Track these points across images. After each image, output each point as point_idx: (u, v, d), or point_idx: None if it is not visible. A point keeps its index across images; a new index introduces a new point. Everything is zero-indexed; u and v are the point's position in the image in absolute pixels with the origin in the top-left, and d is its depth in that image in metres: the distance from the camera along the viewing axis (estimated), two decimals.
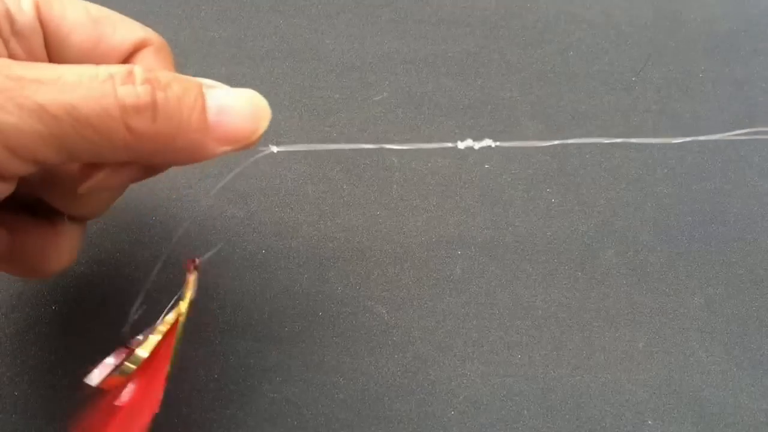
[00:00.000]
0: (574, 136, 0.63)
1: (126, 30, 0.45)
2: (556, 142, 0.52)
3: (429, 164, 0.65)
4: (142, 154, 0.37)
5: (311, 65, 0.70)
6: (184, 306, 0.50)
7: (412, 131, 0.67)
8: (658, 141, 0.63)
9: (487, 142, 0.46)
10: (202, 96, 0.38)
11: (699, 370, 0.59)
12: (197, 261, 0.51)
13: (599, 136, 0.67)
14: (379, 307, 0.59)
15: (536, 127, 0.67)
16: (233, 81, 0.68)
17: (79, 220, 0.49)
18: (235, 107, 0.40)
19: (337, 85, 0.69)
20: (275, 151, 0.47)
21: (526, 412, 0.57)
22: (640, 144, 0.67)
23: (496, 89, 0.69)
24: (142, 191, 0.62)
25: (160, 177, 0.47)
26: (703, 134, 0.63)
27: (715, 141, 0.67)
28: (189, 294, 0.51)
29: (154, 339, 0.49)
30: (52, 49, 0.43)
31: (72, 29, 0.43)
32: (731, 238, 0.63)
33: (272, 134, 0.64)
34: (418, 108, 0.68)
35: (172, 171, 0.50)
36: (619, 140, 0.53)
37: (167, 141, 0.37)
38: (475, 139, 0.47)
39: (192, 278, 0.51)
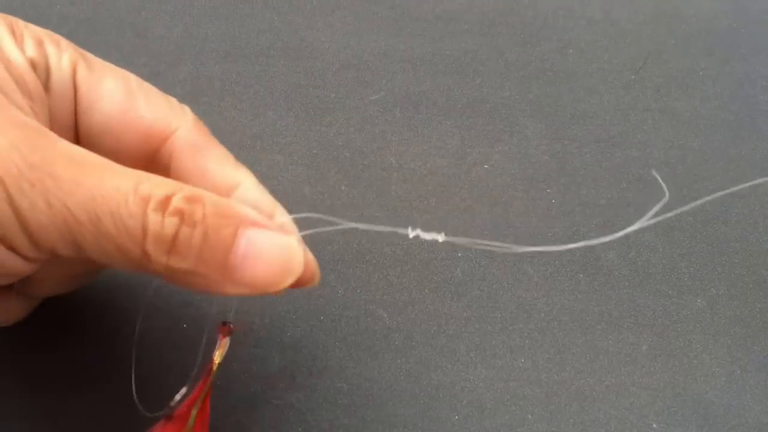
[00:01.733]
0: (574, 135, 0.63)
1: (158, 107, 0.45)
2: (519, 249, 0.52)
3: (428, 164, 0.64)
4: (152, 273, 0.37)
5: (307, 63, 0.69)
6: (215, 367, 0.51)
7: (410, 131, 0.66)
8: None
9: (436, 236, 0.46)
10: (234, 237, 0.37)
11: (703, 372, 0.58)
12: (231, 325, 0.51)
13: (599, 134, 0.67)
14: (381, 311, 0.59)
15: (535, 125, 0.67)
16: (227, 79, 0.68)
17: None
18: (265, 255, 0.37)
19: (333, 84, 0.68)
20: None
21: (530, 416, 0.56)
22: (640, 143, 0.66)
23: (495, 88, 0.68)
24: None
25: None
26: (703, 134, 0.63)
27: (718, 140, 0.67)
28: (219, 356, 0.51)
29: (194, 412, 0.50)
30: (79, 109, 0.43)
31: (105, 96, 0.43)
32: (733, 239, 0.63)
33: (267, 134, 0.64)
34: (416, 107, 0.67)
35: None
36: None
37: (183, 275, 0.36)
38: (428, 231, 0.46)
39: (225, 341, 0.52)
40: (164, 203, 0.35)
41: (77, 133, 0.44)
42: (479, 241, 0.45)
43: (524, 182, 0.64)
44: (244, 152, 0.63)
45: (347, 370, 0.57)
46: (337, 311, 0.59)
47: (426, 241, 0.45)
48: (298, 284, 0.41)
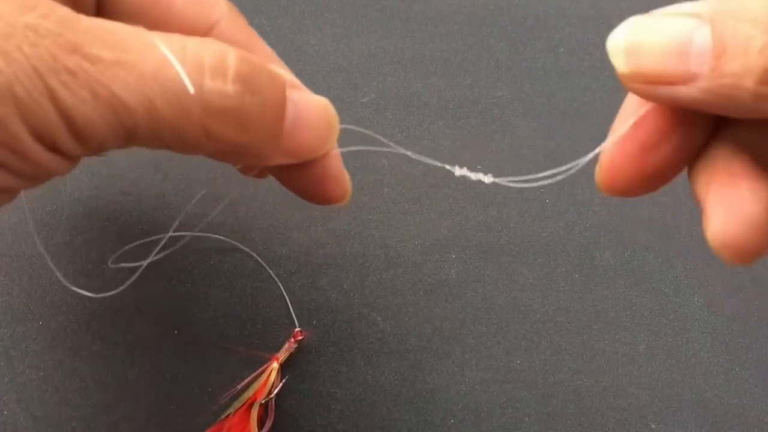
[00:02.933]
0: (567, 134, 0.63)
1: None
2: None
3: (420, 166, 0.64)
4: (208, 153, 0.34)
5: (296, 66, 0.68)
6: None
7: (401, 133, 0.65)
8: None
9: (482, 176, 0.44)
10: (284, 102, 0.35)
11: (701, 371, 0.58)
12: (304, 335, 0.56)
13: (592, 133, 0.66)
14: (375, 315, 0.58)
15: (528, 125, 0.66)
16: None
17: None
18: (311, 120, 0.37)
19: (323, 87, 0.68)
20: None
21: (527, 418, 0.56)
22: None
23: (487, 88, 0.68)
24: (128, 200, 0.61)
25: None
26: None
27: None
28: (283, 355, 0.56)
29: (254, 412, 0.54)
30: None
31: None
32: None
33: None
34: (407, 109, 0.67)
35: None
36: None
37: (238, 149, 0.34)
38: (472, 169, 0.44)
39: (292, 344, 0.57)
40: (220, 67, 0.31)
41: None
42: (530, 177, 0.43)
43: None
44: None
45: (341, 374, 0.56)
46: (330, 315, 0.58)
47: (472, 181, 0.43)
48: (333, 198, 0.40)
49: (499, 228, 0.62)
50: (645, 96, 0.32)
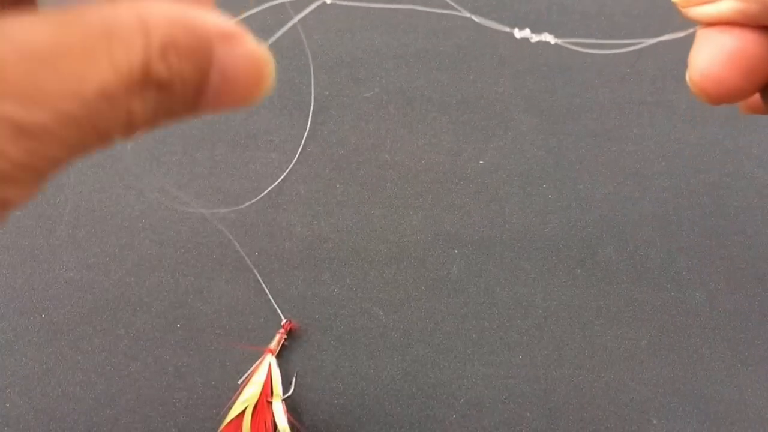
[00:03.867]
0: (569, 130, 0.63)
1: None
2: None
3: (423, 161, 0.64)
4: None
5: (300, 61, 0.69)
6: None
7: (404, 127, 0.65)
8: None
9: (548, 37, 0.42)
10: (208, 68, 0.32)
11: (703, 367, 0.58)
12: (292, 325, 0.57)
13: (594, 128, 0.66)
14: (377, 309, 0.58)
15: (530, 121, 0.66)
16: None
17: None
18: (239, 78, 0.33)
19: (326, 82, 0.68)
20: (328, 2, 0.42)
21: (528, 413, 0.56)
22: (637, 137, 0.66)
23: (489, 83, 0.68)
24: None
25: None
26: (699, 127, 0.63)
27: (715, 132, 0.66)
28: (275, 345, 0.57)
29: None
30: None
31: None
32: (731, 232, 0.63)
33: (262, 133, 0.63)
34: (410, 104, 0.67)
35: None
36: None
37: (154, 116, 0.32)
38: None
39: (282, 336, 0.57)
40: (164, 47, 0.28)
41: None
42: (600, 41, 0.42)
43: (520, 177, 0.64)
44: (239, 151, 0.63)
45: (343, 369, 0.56)
46: (333, 310, 0.58)
47: (536, 43, 0.42)
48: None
49: (502, 223, 0.62)
50: (697, 19, 0.36)
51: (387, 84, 0.68)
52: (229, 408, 0.54)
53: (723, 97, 0.35)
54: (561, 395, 0.57)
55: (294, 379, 0.56)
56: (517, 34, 0.41)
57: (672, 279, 0.61)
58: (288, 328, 0.57)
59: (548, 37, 0.41)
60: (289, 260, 0.60)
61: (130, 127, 0.28)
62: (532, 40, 0.41)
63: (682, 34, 0.39)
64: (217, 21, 0.30)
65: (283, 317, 0.57)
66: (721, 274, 0.61)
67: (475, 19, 0.41)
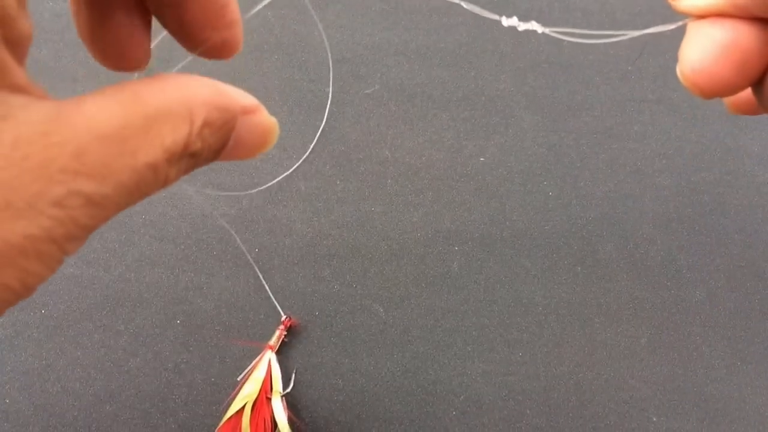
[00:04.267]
0: (570, 127, 0.63)
1: None
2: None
3: (423, 158, 0.64)
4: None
5: (301, 58, 0.69)
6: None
7: (405, 124, 0.65)
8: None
9: (535, 26, 0.42)
10: (229, 137, 0.34)
11: (702, 365, 0.58)
12: (292, 321, 0.58)
13: (595, 126, 0.66)
14: (377, 306, 0.58)
15: (531, 118, 0.66)
16: (220, 75, 0.67)
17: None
18: (250, 142, 0.35)
19: (327, 78, 0.68)
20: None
21: (528, 411, 0.56)
22: (638, 135, 0.66)
23: (490, 80, 0.68)
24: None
25: None
26: (700, 124, 0.63)
27: (716, 130, 0.66)
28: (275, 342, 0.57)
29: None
30: None
31: None
32: (732, 230, 0.63)
33: None
34: (411, 101, 0.67)
35: None
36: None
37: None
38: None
39: (282, 332, 0.57)
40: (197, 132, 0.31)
41: None
42: (588, 32, 0.42)
43: (521, 175, 0.64)
44: None
45: (343, 365, 0.57)
46: (333, 306, 0.58)
47: (524, 32, 0.42)
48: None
49: (502, 220, 0.62)
50: (687, 11, 0.36)
51: (388, 81, 0.68)
52: (229, 404, 0.54)
53: (715, 91, 0.35)
54: (561, 392, 0.57)
55: (293, 375, 0.56)
56: (505, 21, 0.41)
57: (672, 277, 0.61)
58: (288, 325, 0.57)
59: (535, 26, 0.40)
60: (289, 257, 0.60)
61: (164, 187, 0.32)
62: (519, 29, 0.40)
63: (671, 26, 0.39)
64: (241, 97, 0.33)
65: (282, 314, 0.58)
66: (721, 272, 0.61)
67: (464, 5, 0.41)
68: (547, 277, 0.60)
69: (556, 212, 0.63)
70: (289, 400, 0.55)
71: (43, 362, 0.56)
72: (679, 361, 0.58)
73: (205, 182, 0.62)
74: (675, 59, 0.68)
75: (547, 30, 0.40)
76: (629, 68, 0.69)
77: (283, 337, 0.57)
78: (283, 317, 0.57)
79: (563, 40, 0.69)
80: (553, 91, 0.68)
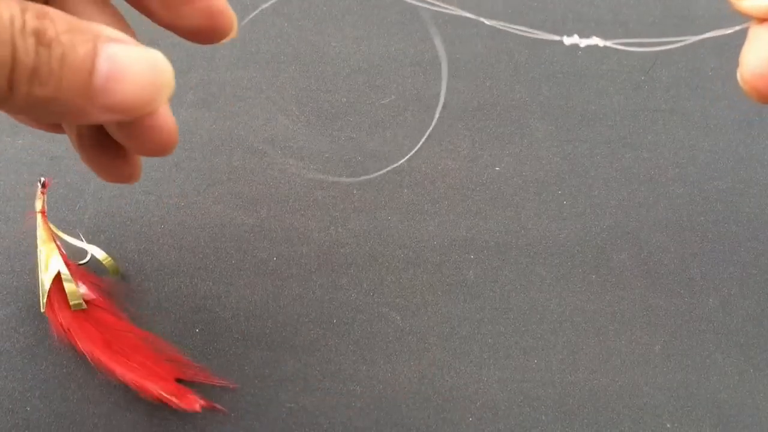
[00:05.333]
0: (584, 137, 0.63)
1: None
2: None
3: (439, 167, 0.65)
4: (12, 110, 0.34)
5: (317, 68, 0.69)
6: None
7: (421, 134, 0.66)
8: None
9: (595, 40, 0.43)
10: (92, 56, 0.33)
11: (716, 372, 0.58)
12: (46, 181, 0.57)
13: (609, 135, 0.67)
14: (394, 314, 0.59)
15: (546, 128, 0.67)
16: (238, 85, 0.68)
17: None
18: (130, 73, 0.34)
19: (343, 89, 0.68)
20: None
21: (543, 417, 0.56)
22: (651, 144, 0.66)
23: (505, 90, 0.69)
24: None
25: None
26: (713, 134, 0.63)
27: (728, 139, 0.67)
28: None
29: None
30: None
31: None
32: (745, 238, 0.63)
33: (279, 139, 0.64)
34: (426, 111, 0.67)
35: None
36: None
37: (46, 104, 0.33)
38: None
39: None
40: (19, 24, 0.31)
41: None
42: (647, 40, 0.42)
43: (535, 184, 0.64)
44: (256, 157, 0.63)
45: (360, 372, 0.57)
46: (350, 314, 0.59)
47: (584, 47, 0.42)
48: (160, 150, 0.40)
49: (517, 229, 0.63)
50: (750, 13, 0.36)
51: (404, 91, 0.68)
52: None
53: None
54: (576, 399, 0.57)
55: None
56: (566, 41, 0.41)
57: (685, 285, 0.61)
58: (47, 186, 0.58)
59: (596, 40, 0.41)
60: (306, 265, 0.60)
61: (13, 95, 0.31)
62: (582, 45, 0.41)
63: (735, 29, 0.39)
64: (113, 30, 0.33)
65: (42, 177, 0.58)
66: (734, 279, 0.62)
67: (511, 28, 0.41)
68: (561, 285, 0.61)
69: (571, 221, 0.63)
70: (306, 406, 0.56)
71: (64, 371, 0.56)
72: (693, 368, 0.58)
73: (224, 191, 0.63)
74: (687, 70, 0.69)
75: (609, 43, 0.40)
76: (642, 78, 0.70)
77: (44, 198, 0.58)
78: (42, 179, 0.58)
79: (578, 51, 0.70)
80: (567, 101, 0.68)
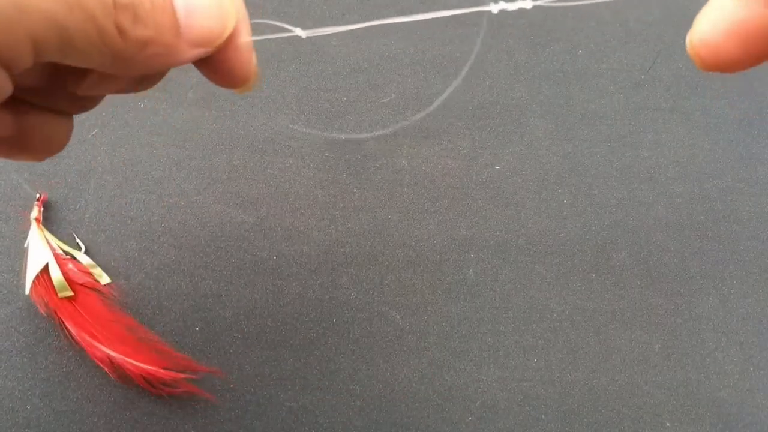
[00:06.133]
0: (584, 136, 0.63)
1: None
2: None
3: (439, 166, 0.65)
4: (121, 58, 0.34)
5: (318, 67, 0.69)
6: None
7: (420, 132, 0.66)
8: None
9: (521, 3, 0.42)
10: None
11: (716, 370, 0.58)
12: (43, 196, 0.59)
13: (609, 134, 0.67)
14: (394, 313, 0.59)
15: (546, 126, 0.67)
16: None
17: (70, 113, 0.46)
18: (201, 7, 0.36)
19: (344, 88, 0.68)
20: (303, 36, 0.44)
21: (543, 416, 0.56)
22: (651, 143, 0.66)
23: (505, 89, 0.69)
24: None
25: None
26: (713, 133, 0.63)
27: (728, 138, 0.67)
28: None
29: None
30: None
31: None
32: (744, 237, 0.63)
33: (280, 138, 0.64)
34: (426, 109, 0.67)
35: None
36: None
37: (148, 46, 0.34)
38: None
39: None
40: None
41: None
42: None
43: (535, 183, 0.64)
44: (256, 156, 0.63)
45: (360, 372, 0.57)
46: (350, 313, 0.59)
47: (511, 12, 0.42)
48: (237, 81, 0.40)
49: (517, 228, 0.63)
50: None
51: (404, 90, 0.68)
52: None
53: (717, 66, 0.35)
54: (575, 398, 0.57)
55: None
56: (494, 8, 0.41)
57: (685, 283, 0.61)
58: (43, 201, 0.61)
59: (527, 3, 0.41)
60: (306, 264, 0.60)
61: (123, 40, 0.32)
62: (509, 9, 0.40)
63: None
64: None
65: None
66: (734, 278, 0.62)
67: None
68: (561, 284, 0.61)
69: (571, 220, 0.63)
70: (306, 405, 0.56)
71: (64, 369, 0.56)
72: (693, 367, 0.58)
73: (224, 191, 0.63)
74: (688, 69, 0.69)
75: (540, 2, 0.40)
76: (642, 77, 0.70)
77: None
78: (37, 195, 0.60)
79: (578, 50, 0.70)
80: (567, 100, 0.68)
